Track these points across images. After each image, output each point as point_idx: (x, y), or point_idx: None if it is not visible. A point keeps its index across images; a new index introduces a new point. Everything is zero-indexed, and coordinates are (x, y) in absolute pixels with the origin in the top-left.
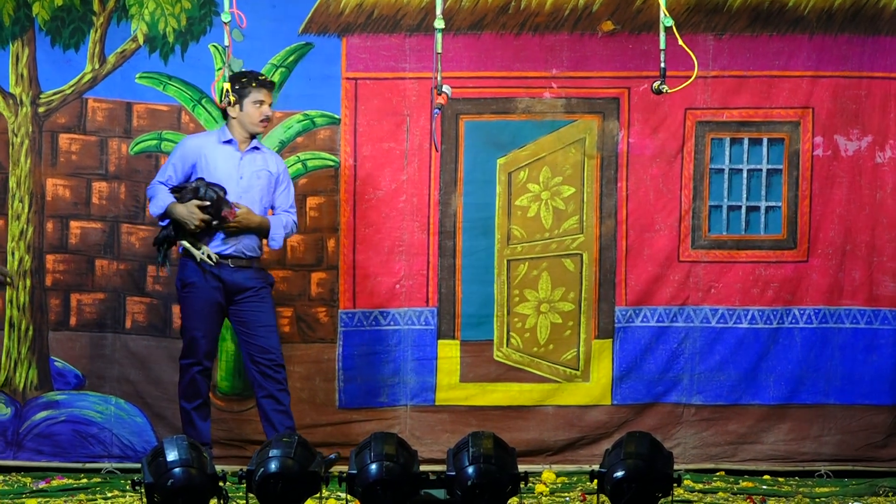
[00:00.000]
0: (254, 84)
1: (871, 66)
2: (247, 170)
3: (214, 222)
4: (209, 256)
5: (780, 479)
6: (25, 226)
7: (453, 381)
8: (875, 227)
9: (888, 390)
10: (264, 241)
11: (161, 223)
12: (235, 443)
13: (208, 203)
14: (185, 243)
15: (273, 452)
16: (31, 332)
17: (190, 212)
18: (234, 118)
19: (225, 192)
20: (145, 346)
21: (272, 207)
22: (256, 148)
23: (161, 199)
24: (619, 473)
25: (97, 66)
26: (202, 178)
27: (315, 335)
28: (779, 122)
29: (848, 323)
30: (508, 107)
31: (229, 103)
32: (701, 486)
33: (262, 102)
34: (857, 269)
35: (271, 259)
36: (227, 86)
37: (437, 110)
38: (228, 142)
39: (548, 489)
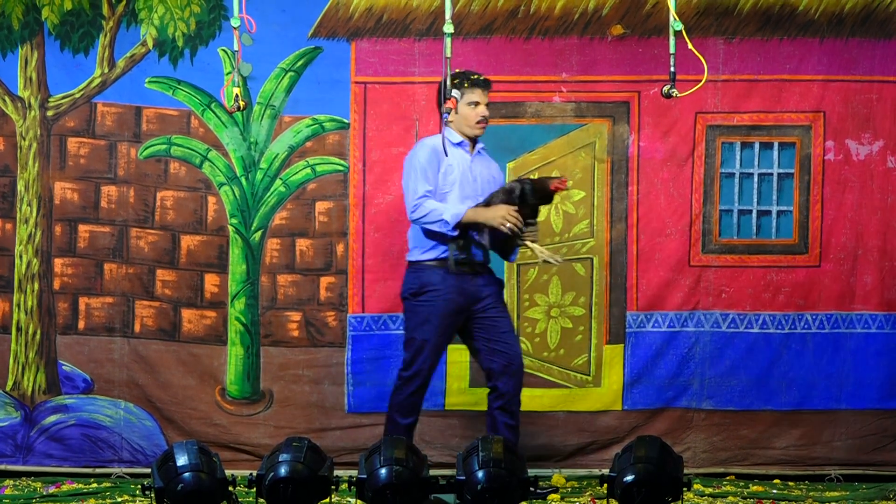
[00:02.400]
0: (466, 84)
1: (882, 70)
2: (478, 173)
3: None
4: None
5: (791, 484)
6: (34, 229)
7: (463, 385)
8: (886, 231)
9: None
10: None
11: (450, 233)
12: (245, 447)
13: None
14: (533, 245)
15: (283, 457)
16: (38, 336)
17: (502, 216)
18: (450, 121)
19: (528, 182)
20: (154, 349)
21: None
22: (479, 152)
23: (451, 211)
24: (629, 478)
25: (106, 71)
26: (517, 181)
27: (324, 339)
28: (790, 126)
29: (860, 328)
30: (518, 111)
31: (238, 108)
32: (711, 490)
33: (476, 103)
34: (868, 273)
35: (280, 263)
36: (236, 90)
37: (446, 115)
38: (459, 144)
39: (558, 496)
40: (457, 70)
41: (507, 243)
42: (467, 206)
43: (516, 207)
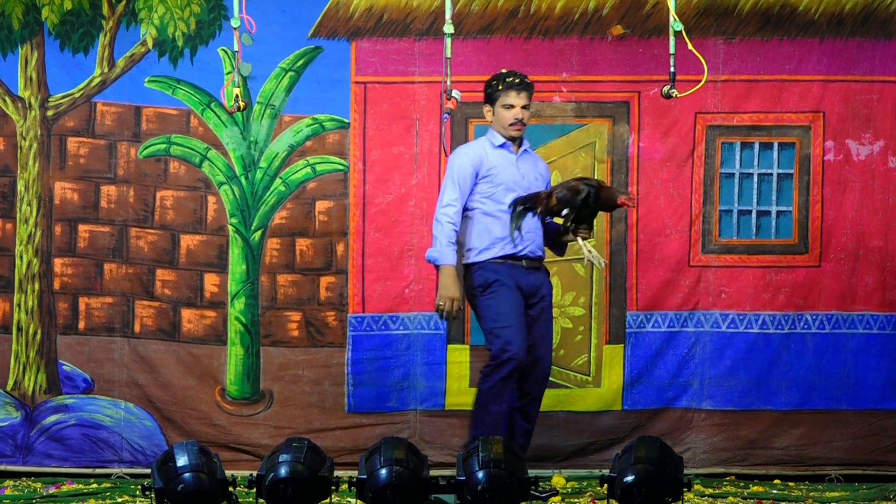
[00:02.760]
0: (500, 87)
1: (882, 70)
2: (525, 171)
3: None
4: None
5: (791, 484)
6: (34, 229)
7: (463, 385)
8: (888, 232)
9: None
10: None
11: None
12: (245, 447)
13: (573, 207)
14: (584, 242)
15: (283, 457)
16: (39, 336)
17: (444, 298)
18: (490, 122)
19: (594, 187)
20: (154, 349)
21: None
22: (526, 151)
23: (438, 250)
24: (630, 478)
25: (106, 70)
26: (584, 182)
27: (324, 339)
28: (790, 126)
29: (861, 328)
30: None
31: (238, 108)
32: (711, 490)
33: (511, 106)
34: (869, 274)
35: (279, 263)
36: (236, 91)
37: (446, 115)
38: (502, 145)
39: (559, 498)
40: (501, 70)
41: (558, 238)
42: (451, 261)
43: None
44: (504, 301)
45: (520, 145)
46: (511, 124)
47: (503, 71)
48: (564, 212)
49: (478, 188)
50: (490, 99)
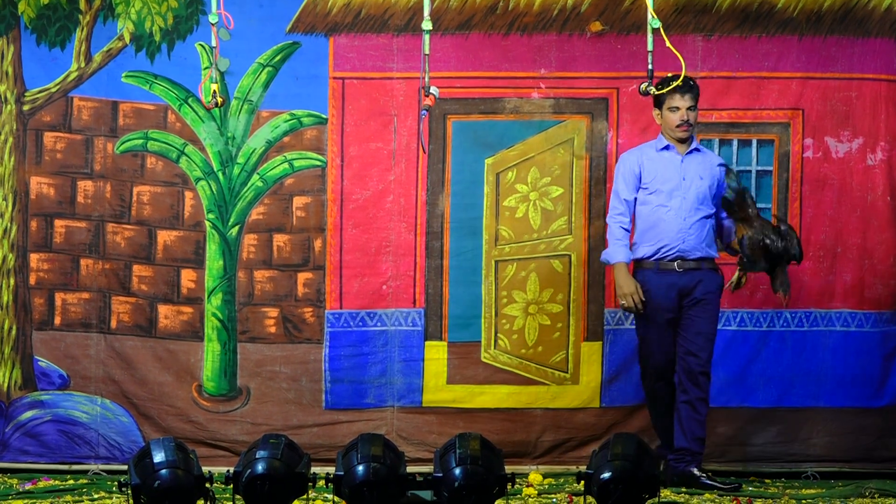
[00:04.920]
0: (665, 90)
1: (860, 67)
2: (689, 171)
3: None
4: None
5: (767, 481)
6: (9, 224)
7: (440, 382)
8: (866, 229)
9: (878, 393)
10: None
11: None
12: (222, 444)
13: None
14: (740, 275)
15: (260, 454)
16: (14, 332)
17: (624, 295)
18: (659, 124)
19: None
20: (131, 346)
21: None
22: (697, 149)
23: (610, 251)
24: (606, 475)
25: (83, 65)
26: (787, 239)
27: (301, 336)
28: (768, 123)
29: (839, 326)
30: (496, 107)
31: (216, 104)
32: (687, 487)
33: (676, 108)
34: (847, 271)
35: (257, 259)
36: (214, 87)
37: (424, 112)
38: (666, 148)
39: (535, 491)
40: (668, 74)
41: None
42: (622, 259)
43: None
44: (648, 310)
45: (689, 144)
46: (678, 126)
47: (669, 75)
48: (745, 255)
49: (639, 194)
50: (656, 102)
